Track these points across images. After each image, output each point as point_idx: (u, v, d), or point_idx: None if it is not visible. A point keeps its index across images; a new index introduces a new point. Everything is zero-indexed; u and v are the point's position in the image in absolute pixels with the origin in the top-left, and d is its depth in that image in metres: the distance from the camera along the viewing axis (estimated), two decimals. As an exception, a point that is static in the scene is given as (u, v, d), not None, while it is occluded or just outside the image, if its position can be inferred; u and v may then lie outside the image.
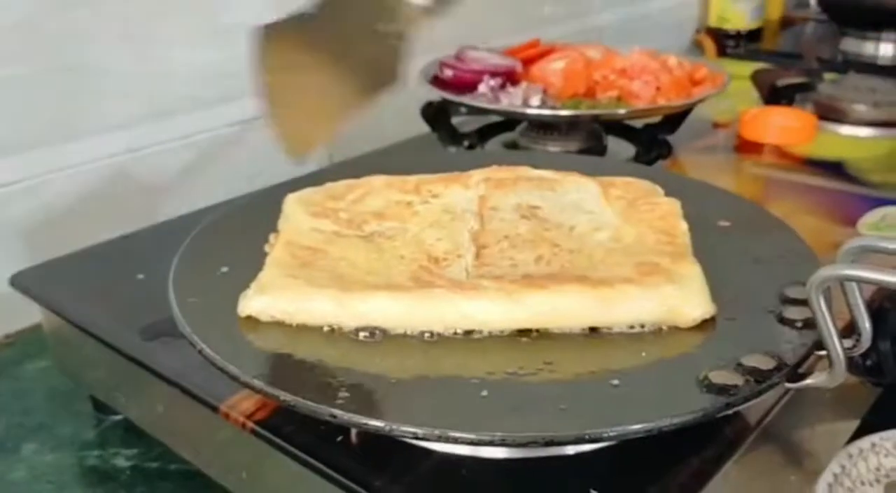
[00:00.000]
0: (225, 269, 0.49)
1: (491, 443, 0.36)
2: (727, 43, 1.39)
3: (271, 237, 0.52)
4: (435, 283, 0.44)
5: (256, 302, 0.44)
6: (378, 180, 0.57)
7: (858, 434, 0.56)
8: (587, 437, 0.36)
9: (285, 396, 0.38)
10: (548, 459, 0.41)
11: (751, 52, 1.33)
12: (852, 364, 0.55)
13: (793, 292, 0.46)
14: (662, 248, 0.48)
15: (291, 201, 0.55)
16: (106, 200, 0.74)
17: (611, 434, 0.36)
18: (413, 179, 0.57)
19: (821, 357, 0.42)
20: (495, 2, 1.07)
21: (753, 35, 1.41)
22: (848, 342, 0.42)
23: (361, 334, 0.43)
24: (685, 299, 0.44)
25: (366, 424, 0.36)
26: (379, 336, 0.43)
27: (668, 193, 0.56)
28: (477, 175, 0.57)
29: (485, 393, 0.39)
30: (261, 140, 0.84)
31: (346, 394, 0.38)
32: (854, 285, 0.41)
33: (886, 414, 0.60)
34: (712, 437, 0.42)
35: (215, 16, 0.78)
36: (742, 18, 1.39)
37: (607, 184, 0.56)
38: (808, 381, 0.41)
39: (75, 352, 0.57)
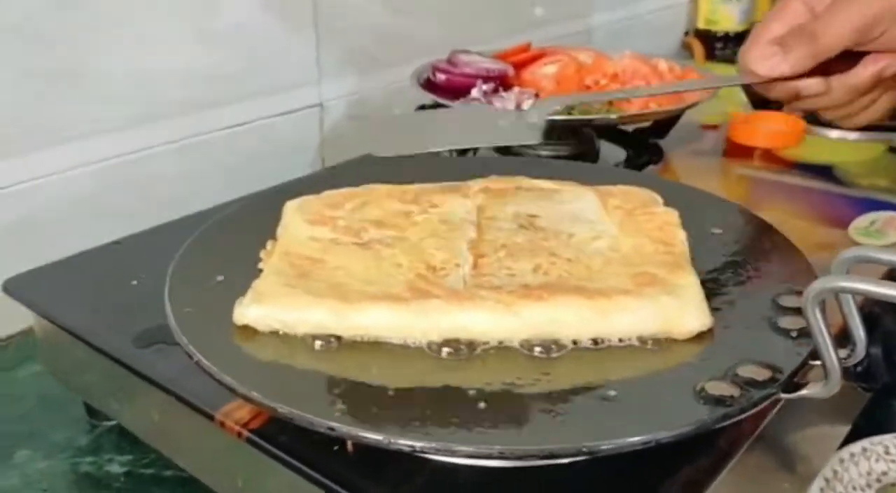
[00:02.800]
0: (220, 277, 0.49)
1: (489, 456, 0.36)
2: (716, 45, 1.40)
3: (269, 245, 0.52)
4: (432, 292, 0.44)
5: (253, 311, 0.44)
6: (379, 189, 0.57)
7: (850, 439, 0.57)
8: (584, 450, 0.36)
9: (283, 408, 0.38)
10: (543, 467, 0.41)
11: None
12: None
13: (787, 301, 0.46)
14: (661, 258, 0.49)
15: (290, 209, 0.55)
16: (97, 204, 0.73)
17: (608, 448, 0.36)
18: (413, 188, 0.57)
19: (815, 366, 0.42)
20: (485, 4, 1.07)
21: (742, 37, 1.41)
22: (843, 352, 0.42)
23: (359, 344, 0.43)
24: (682, 310, 0.44)
25: (364, 437, 0.37)
26: (376, 346, 0.43)
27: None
28: (475, 185, 0.58)
29: (482, 405, 0.39)
30: (252, 143, 0.84)
31: (344, 406, 0.38)
32: (849, 296, 0.41)
33: (877, 418, 0.61)
34: (707, 446, 0.42)
35: (206, 19, 0.77)
36: (730, 20, 1.40)
37: (605, 193, 0.57)
38: (804, 392, 0.41)
39: (68, 357, 0.57)
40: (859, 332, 0.42)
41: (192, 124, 0.79)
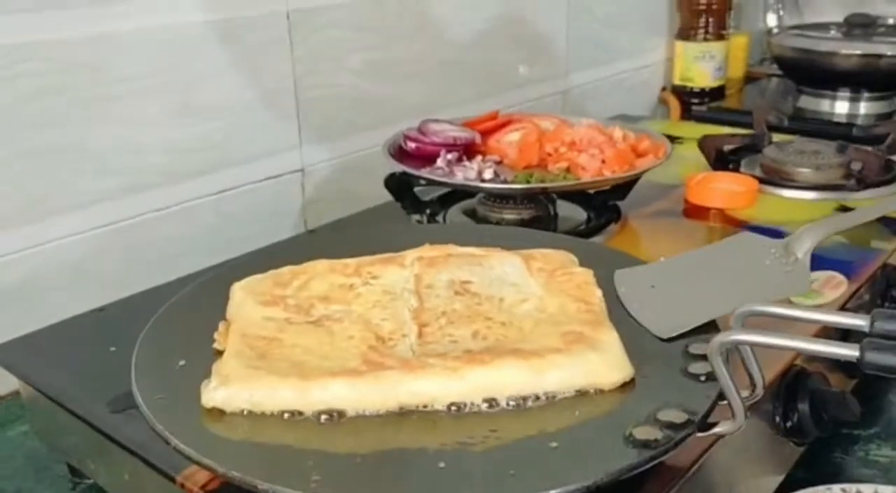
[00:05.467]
0: (182, 362, 0.52)
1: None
2: (691, 100, 1.45)
3: (220, 325, 0.56)
4: (385, 363, 0.49)
5: (220, 393, 0.48)
6: (320, 265, 0.61)
7: (783, 489, 0.60)
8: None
9: (263, 485, 0.41)
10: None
11: (712, 110, 1.39)
12: (775, 426, 0.59)
13: (696, 349, 0.51)
14: (582, 316, 0.53)
15: (238, 290, 0.59)
16: (88, 271, 0.77)
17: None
18: (353, 262, 0.61)
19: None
20: (462, 68, 1.12)
21: (717, 92, 1.47)
22: (745, 393, 0.47)
23: (322, 417, 0.47)
24: (607, 364, 0.49)
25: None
26: (337, 418, 0.47)
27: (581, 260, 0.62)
28: (410, 255, 0.62)
29: (442, 465, 0.43)
30: (234, 209, 0.89)
31: (318, 477, 0.42)
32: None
33: (813, 469, 0.64)
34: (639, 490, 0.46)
35: (187, 96, 0.82)
36: (705, 77, 1.45)
37: (528, 257, 0.61)
38: (716, 429, 0.46)
39: (50, 421, 0.61)
40: (757, 374, 0.48)
41: (179, 192, 0.84)
